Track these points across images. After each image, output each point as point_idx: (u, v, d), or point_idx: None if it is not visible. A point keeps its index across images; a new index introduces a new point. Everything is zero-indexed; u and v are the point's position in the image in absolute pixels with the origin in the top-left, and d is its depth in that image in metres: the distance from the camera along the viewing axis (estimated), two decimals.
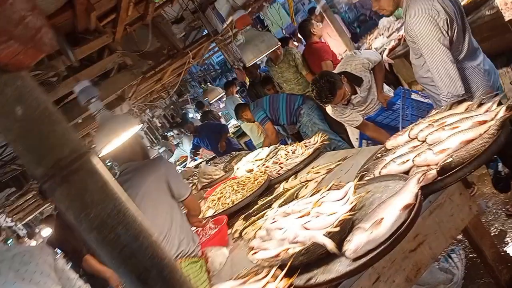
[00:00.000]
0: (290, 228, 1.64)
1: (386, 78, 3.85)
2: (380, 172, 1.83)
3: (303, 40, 6.20)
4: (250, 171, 3.84)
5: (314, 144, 3.37)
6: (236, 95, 9.46)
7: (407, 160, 1.74)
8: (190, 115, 14.76)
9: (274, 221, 1.79)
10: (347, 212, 1.51)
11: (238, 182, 3.25)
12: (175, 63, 3.54)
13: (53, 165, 0.96)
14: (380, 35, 5.20)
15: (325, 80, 2.96)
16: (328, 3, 7.17)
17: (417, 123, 2.01)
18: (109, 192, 1.03)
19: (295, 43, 7.72)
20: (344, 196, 1.68)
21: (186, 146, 9.16)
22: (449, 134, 1.66)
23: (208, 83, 13.16)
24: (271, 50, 3.04)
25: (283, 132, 5.76)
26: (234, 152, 6.22)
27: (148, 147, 10.09)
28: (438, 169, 1.55)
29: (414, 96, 3.09)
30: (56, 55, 1.94)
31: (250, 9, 7.66)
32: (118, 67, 2.40)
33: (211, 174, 5.01)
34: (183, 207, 2.54)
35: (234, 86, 9.32)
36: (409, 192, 1.44)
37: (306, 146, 3.43)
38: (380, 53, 4.92)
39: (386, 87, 3.60)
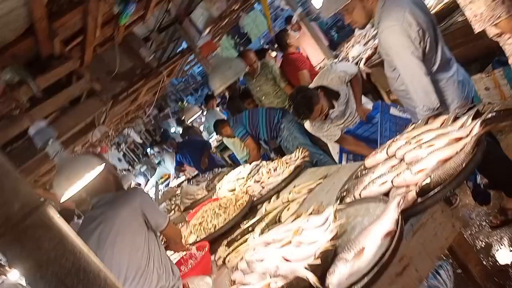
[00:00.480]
0: (271, 260, 1.57)
1: (364, 87, 3.85)
2: (360, 193, 1.79)
3: None
4: (232, 190, 3.78)
5: (295, 160, 3.34)
6: (217, 108, 9.42)
7: (386, 181, 1.70)
8: (172, 129, 14.60)
9: (255, 253, 1.72)
10: (328, 241, 1.46)
11: (219, 205, 3.18)
12: (149, 83, 3.46)
13: (1, 224, 0.88)
14: (357, 43, 5.24)
15: (302, 96, 2.93)
16: (304, 10, 7.23)
17: (394, 139, 1.99)
18: (67, 248, 0.95)
19: (274, 53, 7.72)
20: (325, 222, 1.62)
21: (169, 164, 9.02)
22: (426, 153, 1.63)
23: (186, 102, 13.00)
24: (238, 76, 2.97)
25: (265, 145, 5.72)
26: (217, 169, 6.14)
27: (128, 169, 9.90)
28: (417, 190, 1.51)
29: (392, 111, 3.08)
30: (17, 86, 1.84)
31: (226, 20, 7.68)
32: (87, 93, 2.30)
33: (193, 194, 4.94)
34: (161, 237, 2.45)
35: (214, 100, 9.26)
36: (389, 218, 1.40)
37: (287, 163, 3.39)
38: (357, 62, 4.96)
39: (364, 99, 3.59)
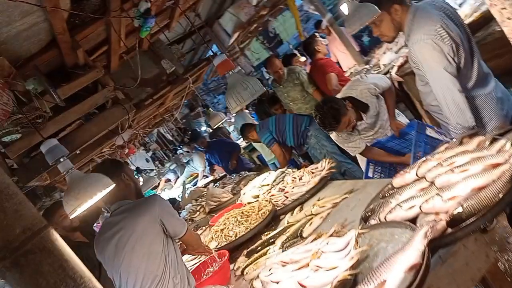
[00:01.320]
0: (286, 284, 1.50)
1: (396, 96, 3.69)
2: (385, 217, 1.68)
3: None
4: (256, 197, 3.73)
5: (321, 170, 3.25)
6: (246, 110, 9.40)
7: (414, 206, 1.59)
8: (203, 128, 14.73)
9: (271, 273, 1.65)
10: (347, 270, 1.37)
11: (242, 212, 3.13)
12: (175, 89, 3.47)
13: (2, 248, 0.86)
14: (388, 50, 5.05)
15: (329, 107, 2.83)
16: (334, 15, 7.06)
17: (425, 159, 1.86)
18: (67, 273, 0.92)
19: (303, 57, 7.61)
20: (346, 247, 1.54)
21: (197, 163, 9.08)
22: (459, 178, 1.51)
23: (211, 108, 13.03)
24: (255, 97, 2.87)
25: (294, 151, 5.63)
26: (244, 172, 6.12)
27: (156, 168, 10.03)
28: (447, 220, 1.40)
29: (429, 131, 2.88)
30: (40, 95, 1.87)
31: (255, 25, 7.64)
32: (112, 101, 2.32)
33: (218, 197, 4.93)
34: (180, 243, 2.43)
35: None
36: (415, 249, 1.29)
37: (313, 173, 3.31)
38: (389, 71, 4.78)
39: (398, 113, 3.43)
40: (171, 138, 12.81)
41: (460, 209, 1.40)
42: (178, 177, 10.29)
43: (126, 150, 5.14)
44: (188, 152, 9.47)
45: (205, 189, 5.84)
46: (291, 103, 5.29)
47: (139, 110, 3.02)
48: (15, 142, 2.00)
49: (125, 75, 3.03)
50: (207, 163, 8.31)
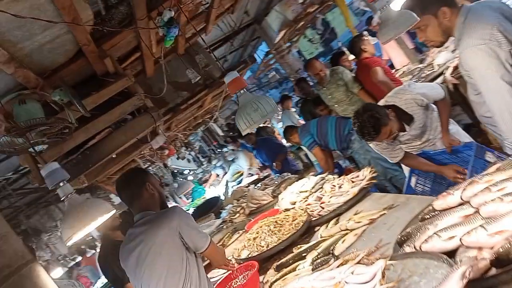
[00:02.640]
0: None
1: (451, 98, 3.38)
2: (421, 246, 1.50)
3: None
4: (294, 203, 3.62)
5: (362, 180, 3.06)
6: (292, 109, 9.23)
7: (454, 237, 1.39)
8: None
9: None
10: None
11: (276, 221, 3.03)
12: (212, 92, 3.42)
13: None
14: (444, 49, 4.67)
15: (369, 115, 2.62)
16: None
17: (472, 181, 1.64)
18: None
19: (352, 55, 7.30)
20: (371, 279, 1.39)
21: (242, 161, 9.09)
22: (509, 209, 1.29)
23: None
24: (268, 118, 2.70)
25: (339, 152, 5.42)
26: (286, 174, 6.02)
27: (204, 164, 10.17)
28: (491, 258, 1.20)
29: (488, 156, 2.51)
30: (66, 106, 1.88)
31: (302, 23, 7.44)
32: (142, 108, 2.31)
33: (258, 200, 4.88)
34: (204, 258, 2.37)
35: (290, 100, 9.10)
36: None
37: (353, 182, 3.14)
38: (443, 72, 4.42)
39: (455, 127, 3.10)
40: (221, 134, 12.96)
41: (507, 246, 1.20)
42: (226, 172, 10.38)
43: (166, 152, 5.21)
44: (233, 150, 9.49)
45: (247, 189, 5.79)
46: (336, 105, 5.06)
47: (175, 114, 3.01)
48: (47, 150, 2.05)
49: (162, 80, 3.03)
50: (259, 159, 8.18)
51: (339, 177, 3.58)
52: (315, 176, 4.04)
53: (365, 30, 6.51)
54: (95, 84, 2.16)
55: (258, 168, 8.42)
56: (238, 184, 8.93)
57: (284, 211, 3.40)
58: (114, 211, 1.92)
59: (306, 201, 3.37)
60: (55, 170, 1.76)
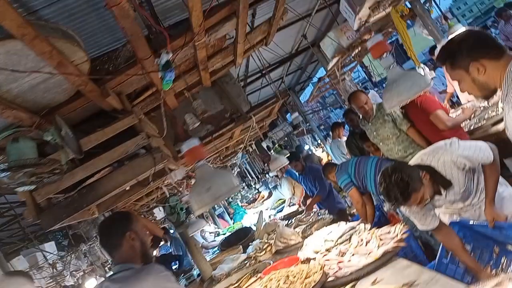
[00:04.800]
0: None
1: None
2: None
3: None
4: (317, 252, 3.34)
5: (392, 238, 2.74)
6: (344, 138, 8.77)
7: None
8: (306, 147, 14.39)
9: None
10: None
11: (287, 276, 2.77)
12: (240, 126, 3.29)
13: None
14: None
15: (399, 178, 2.21)
16: None
17: (503, 280, 1.32)
18: None
19: None
20: None
21: (285, 189, 8.82)
22: None
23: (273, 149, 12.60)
24: None
25: (378, 197, 5.00)
26: (324, 211, 5.71)
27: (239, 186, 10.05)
28: None
29: None
30: (59, 147, 1.82)
31: (356, 51, 7.15)
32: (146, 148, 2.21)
33: (287, 239, 4.61)
34: None
35: (341, 129, 8.67)
36: None
37: (381, 239, 2.82)
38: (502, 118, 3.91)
39: (506, 190, 2.61)
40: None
41: None
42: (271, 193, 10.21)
43: (193, 181, 5.10)
44: (276, 176, 9.27)
45: (278, 225, 5.54)
46: (381, 143, 4.62)
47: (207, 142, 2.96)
48: (44, 186, 2.01)
49: (187, 112, 2.95)
50: (304, 187, 7.82)
51: (377, 226, 3.26)
52: (348, 223, 3.73)
53: (429, 61, 6.07)
54: (106, 118, 2.11)
55: (301, 199, 8.09)
56: (278, 212, 8.67)
57: (302, 263, 3.14)
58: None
59: (328, 254, 3.08)
60: None
